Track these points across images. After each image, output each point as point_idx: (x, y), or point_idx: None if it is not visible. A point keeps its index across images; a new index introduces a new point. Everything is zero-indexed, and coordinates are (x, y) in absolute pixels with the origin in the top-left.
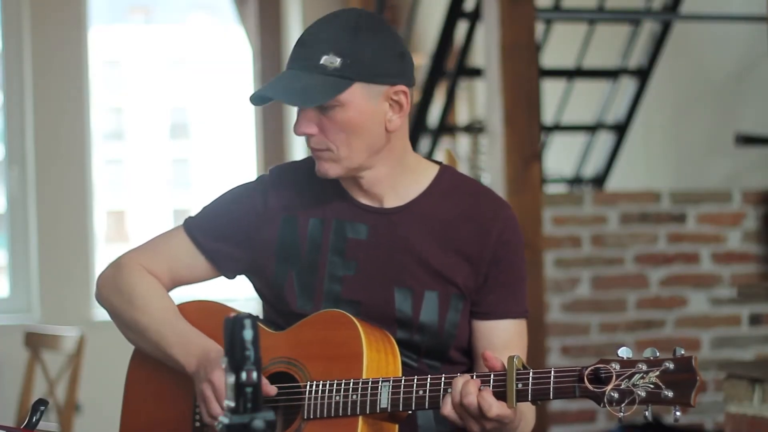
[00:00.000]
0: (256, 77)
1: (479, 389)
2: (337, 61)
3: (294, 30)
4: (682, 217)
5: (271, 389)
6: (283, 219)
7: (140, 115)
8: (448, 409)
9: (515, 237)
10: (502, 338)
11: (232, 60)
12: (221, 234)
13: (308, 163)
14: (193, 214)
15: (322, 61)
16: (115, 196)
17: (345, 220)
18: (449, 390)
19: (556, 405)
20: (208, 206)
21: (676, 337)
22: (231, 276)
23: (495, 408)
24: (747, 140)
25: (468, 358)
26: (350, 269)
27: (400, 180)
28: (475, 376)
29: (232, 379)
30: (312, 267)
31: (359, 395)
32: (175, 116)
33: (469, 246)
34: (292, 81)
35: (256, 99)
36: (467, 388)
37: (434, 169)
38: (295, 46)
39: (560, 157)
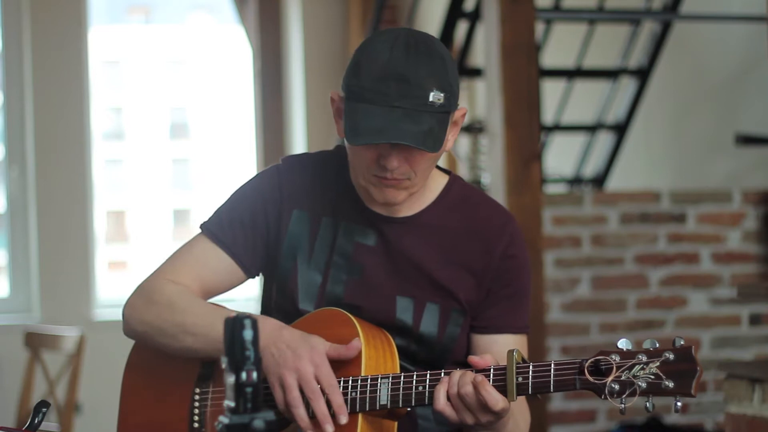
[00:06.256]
0: (256, 77)
1: (478, 381)
2: (442, 97)
3: (294, 30)
4: (682, 217)
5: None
6: (295, 214)
7: (140, 115)
8: (441, 403)
9: (521, 252)
10: (501, 353)
11: (232, 60)
12: (239, 221)
13: (321, 158)
14: (199, 219)
15: (431, 99)
16: (115, 196)
17: (355, 224)
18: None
19: (556, 405)
20: (222, 204)
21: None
22: (254, 272)
23: (501, 402)
24: (747, 140)
25: None
26: (355, 273)
27: (419, 191)
28: (475, 371)
29: (232, 379)
30: (317, 266)
31: (358, 393)
32: (175, 116)
33: (473, 260)
34: (412, 123)
35: (367, 139)
36: (464, 378)
37: (443, 179)
38: (389, 81)
39: (560, 157)
